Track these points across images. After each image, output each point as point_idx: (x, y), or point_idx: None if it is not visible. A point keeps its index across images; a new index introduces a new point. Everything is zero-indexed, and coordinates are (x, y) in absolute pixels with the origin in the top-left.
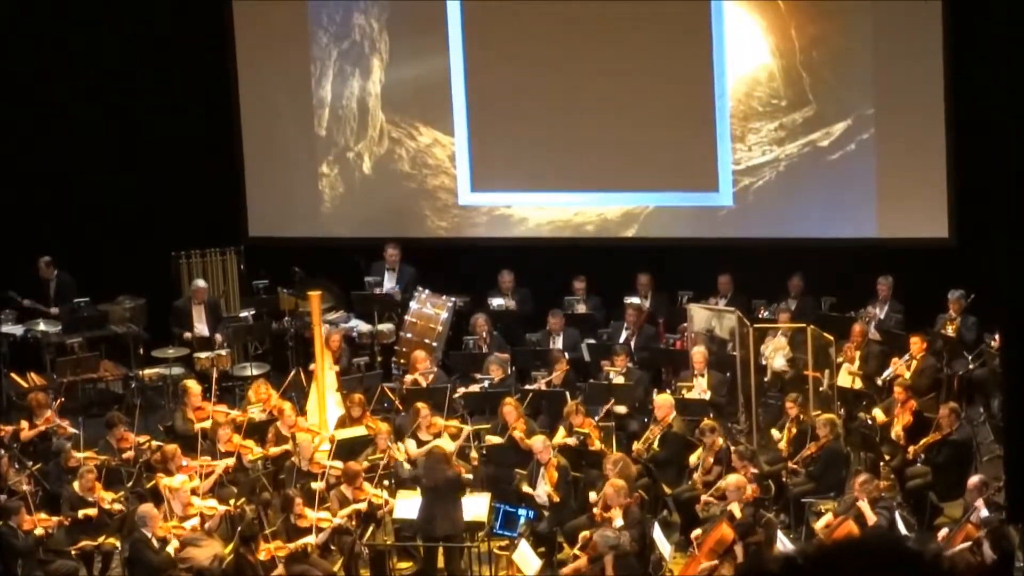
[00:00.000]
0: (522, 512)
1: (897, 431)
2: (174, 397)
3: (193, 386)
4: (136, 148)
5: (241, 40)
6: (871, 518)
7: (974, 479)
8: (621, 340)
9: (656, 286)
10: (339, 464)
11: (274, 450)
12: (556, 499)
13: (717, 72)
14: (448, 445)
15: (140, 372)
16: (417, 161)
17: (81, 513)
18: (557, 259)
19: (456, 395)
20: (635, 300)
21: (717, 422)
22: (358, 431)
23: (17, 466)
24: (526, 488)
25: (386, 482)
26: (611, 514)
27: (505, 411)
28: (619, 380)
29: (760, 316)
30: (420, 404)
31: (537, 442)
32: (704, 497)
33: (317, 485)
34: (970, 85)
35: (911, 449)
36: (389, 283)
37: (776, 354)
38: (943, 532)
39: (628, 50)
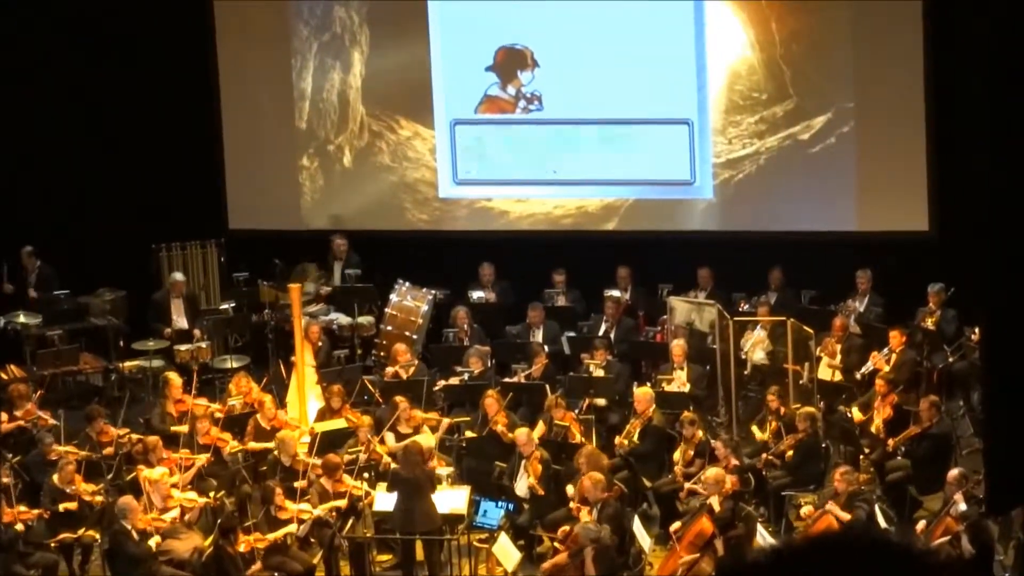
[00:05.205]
0: (502, 505)
1: (877, 424)
2: (154, 389)
3: (174, 379)
4: (117, 140)
5: (222, 33)
6: (843, 517)
7: (953, 472)
8: (600, 333)
9: (636, 279)
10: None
11: (254, 445)
12: (541, 492)
13: (698, 65)
14: (428, 440)
15: (120, 364)
16: (398, 154)
17: (62, 507)
18: (537, 252)
19: (436, 388)
20: (615, 293)
21: (697, 415)
22: (338, 424)
23: None
24: (506, 481)
25: (366, 475)
26: (588, 508)
27: (487, 403)
28: (599, 373)
29: (740, 309)
30: (399, 398)
31: (521, 435)
32: (688, 485)
33: (299, 483)
34: (950, 78)
35: (891, 442)
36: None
37: (756, 347)
38: (922, 525)
39: (610, 43)
